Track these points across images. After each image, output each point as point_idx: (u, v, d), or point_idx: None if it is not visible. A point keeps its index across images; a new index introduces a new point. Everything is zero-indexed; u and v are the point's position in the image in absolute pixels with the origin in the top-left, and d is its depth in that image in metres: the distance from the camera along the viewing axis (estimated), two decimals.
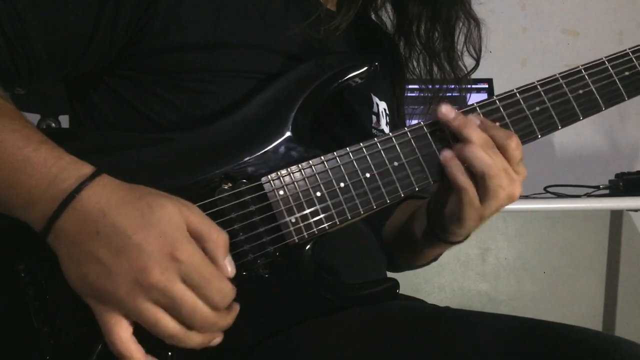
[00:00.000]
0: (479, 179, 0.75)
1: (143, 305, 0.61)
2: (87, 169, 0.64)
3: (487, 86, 2.04)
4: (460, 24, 1.01)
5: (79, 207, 0.62)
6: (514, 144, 0.76)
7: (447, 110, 0.77)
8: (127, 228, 0.61)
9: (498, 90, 2.02)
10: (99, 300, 0.62)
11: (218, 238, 0.64)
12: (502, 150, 0.76)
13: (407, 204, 1.03)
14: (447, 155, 0.77)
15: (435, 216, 0.87)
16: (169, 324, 0.62)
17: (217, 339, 0.67)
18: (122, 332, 0.62)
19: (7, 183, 0.63)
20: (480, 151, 0.74)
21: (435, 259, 1.03)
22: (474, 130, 0.76)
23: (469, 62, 1.03)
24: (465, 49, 1.01)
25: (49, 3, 0.73)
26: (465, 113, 0.79)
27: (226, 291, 0.64)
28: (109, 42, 0.77)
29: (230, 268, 0.65)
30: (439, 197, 0.84)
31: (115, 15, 0.75)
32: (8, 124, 0.66)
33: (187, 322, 0.63)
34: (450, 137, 0.79)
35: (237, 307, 0.67)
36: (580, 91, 0.82)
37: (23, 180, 0.63)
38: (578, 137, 2.28)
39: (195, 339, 0.65)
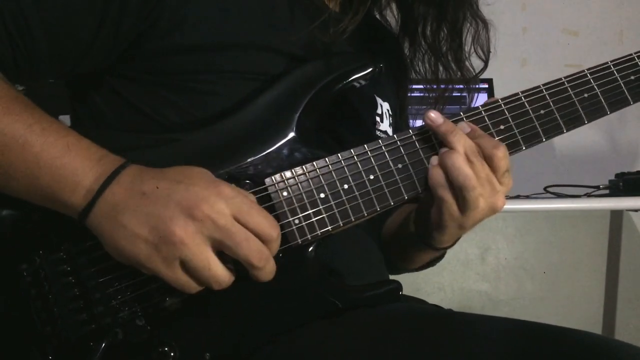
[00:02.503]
0: (457, 190, 0.74)
1: (197, 247, 0.64)
2: (124, 158, 0.70)
3: (487, 86, 2.03)
4: (468, 25, 1.00)
5: (123, 180, 0.67)
6: (500, 153, 0.75)
7: (435, 116, 0.77)
8: (171, 181, 0.66)
9: (498, 90, 2.02)
10: (160, 254, 0.64)
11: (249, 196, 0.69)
12: (488, 160, 0.75)
13: (407, 207, 1.03)
14: (432, 162, 0.76)
15: (421, 222, 0.87)
16: (219, 268, 0.66)
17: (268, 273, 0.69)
18: (183, 279, 0.66)
19: (57, 163, 0.67)
20: (461, 161, 0.74)
21: (430, 264, 1.02)
22: (459, 137, 0.75)
23: (475, 63, 1.02)
24: (472, 49, 1.01)
25: (53, 1, 0.73)
26: (466, 117, 0.79)
27: (272, 221, 0.68)
28: (112, 43, 0.77)
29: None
30: (424, 204, 0.84)
31: (120, 16, 0.75)
32: (44, 116, 0.69)
33: (243, 254, 0.65)
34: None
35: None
36: (586, 95, 0.82)
37: (70, 162, 0.67)
38: (578, 137, 2.28)
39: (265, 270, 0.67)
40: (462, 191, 0.74)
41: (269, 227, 0.66)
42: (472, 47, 1.01)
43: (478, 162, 0.74)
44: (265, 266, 0.67)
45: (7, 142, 0.66)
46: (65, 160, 0.67)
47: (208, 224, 0.64)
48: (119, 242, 0.65)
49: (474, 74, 1.02)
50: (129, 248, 0.65)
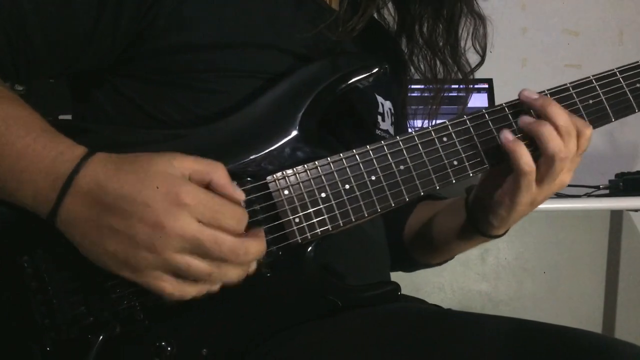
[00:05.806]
0: (547, 160, 0.75)
1: (170, 257, 0.63)
2: (81, 150, 0.66)
3: (487, 86, 2.03)
4: (465, 20, 1.00)
5: (79, 188, 0.64)
6: (589, 133, 0.77)
7: (529, 92, 0.78)
8: (130, 193, 0.63)
9: (498, 90, 2.02)
10: (131, 269, 0.64)
11: (216, 168, 0.66)
12: (578, 136, 0.76)
13: (426, 203, 1.04)
14: (509, 137, 0.76)
15: (480, 206, 0.87)
16: (200, 264, 0.64)
17: (253, 266, 0.69)
18: (168, 286, 0.64)
19: (15, 168, 0.65)
20: (555, 132, 0.74)
21: (452, 257, 1.05)
22: (559, 110, 0.76)
23: (472, 59, 1.03)
24: (471, 44, 1.01)
25: (50, 1, 0.73)
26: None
27: (239, 214, 0.66)
28: (110, 42, 0.76)
29: (239, 191, 0.67)
30: (486, 187, 0.85)
31: (117, 15, 0.75)
32: (11, 110, 0.68)
33: (217, 257, 0.64)
34: (459, 143, 0.78)
35: (261, 231, 0.69)
36: (590, 101, 0.82)
37: (26, 167, 0.65)
38: None
39: (231, 271, 0.66)
40: (552, 162, 0.74)
41: (235, 222, 0.65)
42: (470, 41, 1.01)
43: (570, 136, 0.75)
44: (242, 261, 0.66)
45: None
46: (22, 165, 0.65)
47: (175, 241, 0.62)
48: (85, 250, 0.65)
49: (471, 68, 1.02)
50: (96, 259, 0.65)
